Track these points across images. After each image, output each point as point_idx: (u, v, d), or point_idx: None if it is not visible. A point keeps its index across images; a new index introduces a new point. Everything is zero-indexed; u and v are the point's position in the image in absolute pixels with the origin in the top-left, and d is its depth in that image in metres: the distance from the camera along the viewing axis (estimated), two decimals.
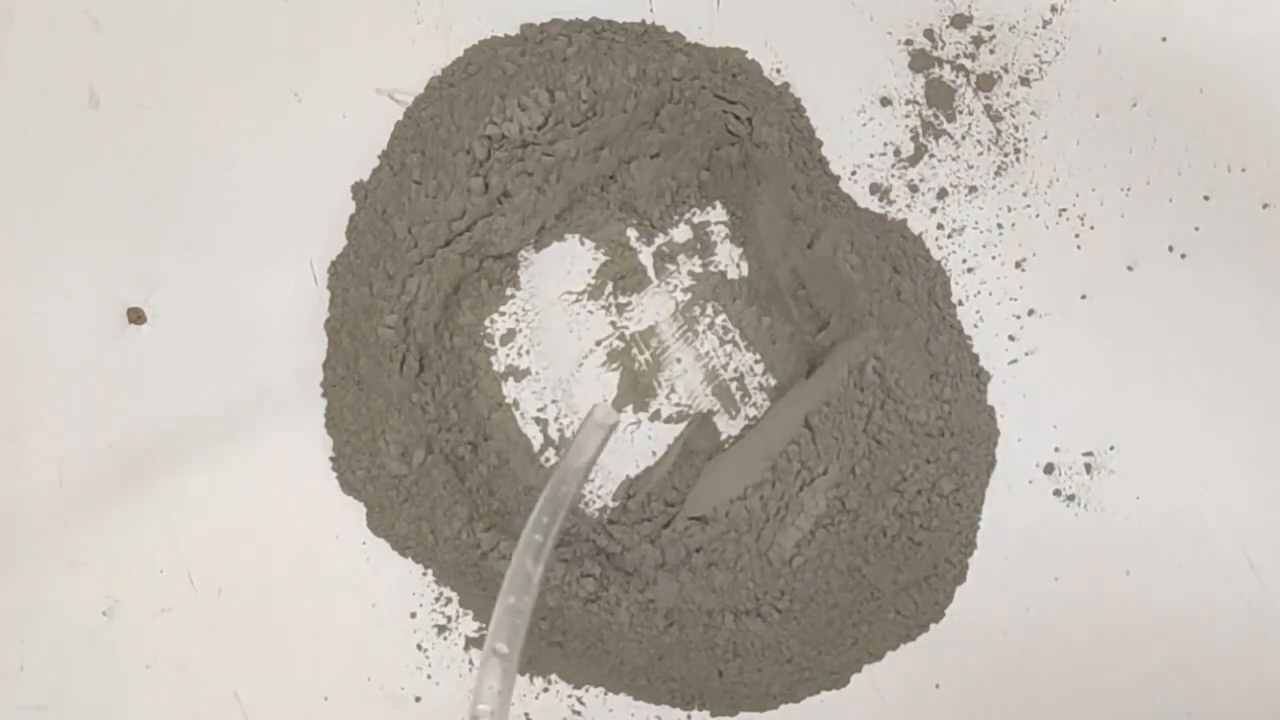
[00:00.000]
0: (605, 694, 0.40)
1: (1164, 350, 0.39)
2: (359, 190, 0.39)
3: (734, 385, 0.40)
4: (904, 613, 0.38)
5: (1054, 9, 0.38)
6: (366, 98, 0.39)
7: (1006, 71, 0.39)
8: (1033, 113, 0.39)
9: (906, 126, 0.39)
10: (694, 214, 0.40)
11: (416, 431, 0.38)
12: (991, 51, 0.39)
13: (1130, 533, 0.39)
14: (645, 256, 0.40)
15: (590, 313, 0.40)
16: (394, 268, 0.37)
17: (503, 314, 0.40)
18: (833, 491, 0.37)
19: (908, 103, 0.39)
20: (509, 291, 0.40)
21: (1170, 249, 0.39)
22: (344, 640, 0.40)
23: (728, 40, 0.39)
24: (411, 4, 0.39)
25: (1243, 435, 0.39)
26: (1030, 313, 0.39)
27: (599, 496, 0.40)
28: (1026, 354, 0.39)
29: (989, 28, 0.39)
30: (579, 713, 0.40)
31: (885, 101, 0.39)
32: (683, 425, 0.40)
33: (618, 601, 0.37)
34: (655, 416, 0.40)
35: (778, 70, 0.39)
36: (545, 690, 0.39)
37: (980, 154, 0.39)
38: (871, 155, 0.39)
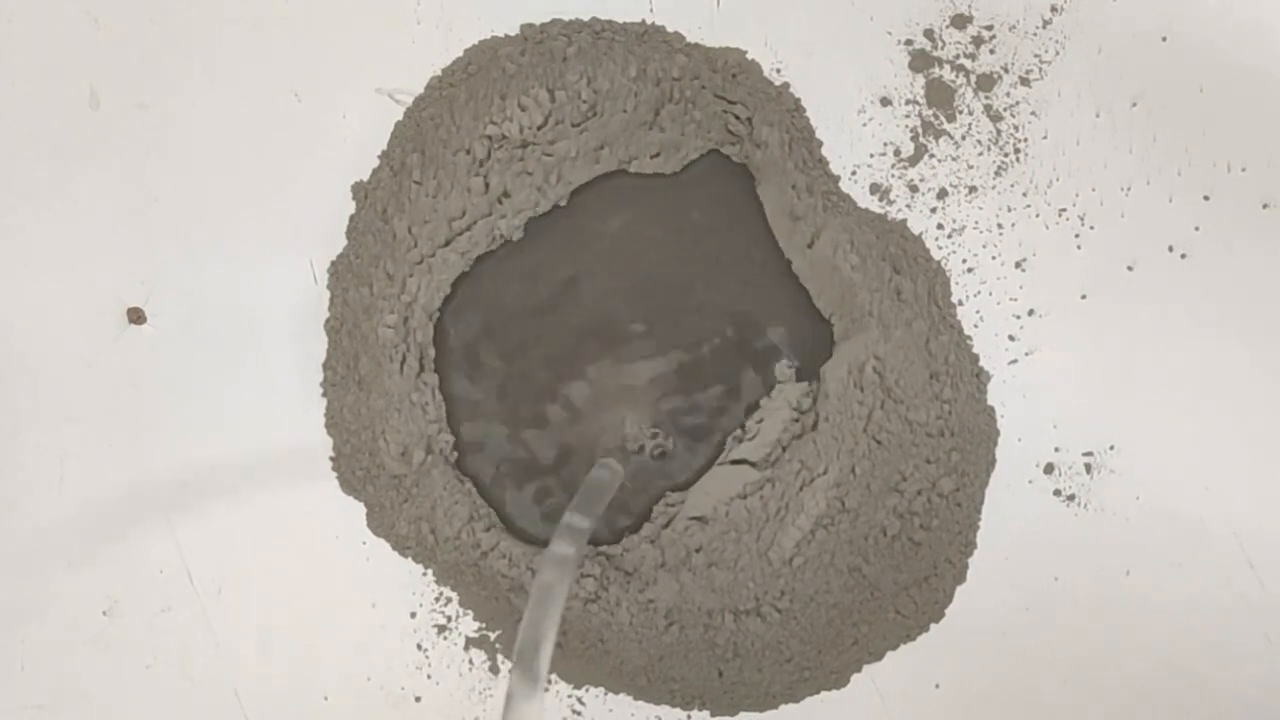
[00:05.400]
0: (605, 694, 0.40)
1: (1164, 350, 0.39)
2: (359, 190, 0.39)
3: None
4: (904, 613, 0.38)
5: (1054, 9, 0.38)
6: (366, 98, 0.39)
7: (1006, 71, 0.39)
8: (1033, 113, 0.39)
9: (906, 126, 0.39)
10: None
11: (416, 431, 0.38)
12: (991, 51, 0.39)
13: (1130, 533, 0.39)
14: None
15: None
16: (394, 268, 0.37)
17: None
18: (833, 491, 0.37)
19: (908, 103, 0.39)
20: None
21: (1170, 249, 0.39)
22: (344, 640, 0.40)
23: (728, 40, 0.39)
24: (411, 4, 0.39)
25: (1243, 435, 0.39)
26: (1030, 313, 0.39)
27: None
28: (1026, 354, 0.39)
29: (989, 28, 0.39)
30: (579, 713, 0.40)
31: (885, 101, 0.39)
32: None
33: (618, 601, 0.37)
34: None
35: (778, 70, 0.39)
36: (545, 690, 0.39)
37: (980, 154, 0.39)
38: (871, 155, 0.39)
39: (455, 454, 0.39)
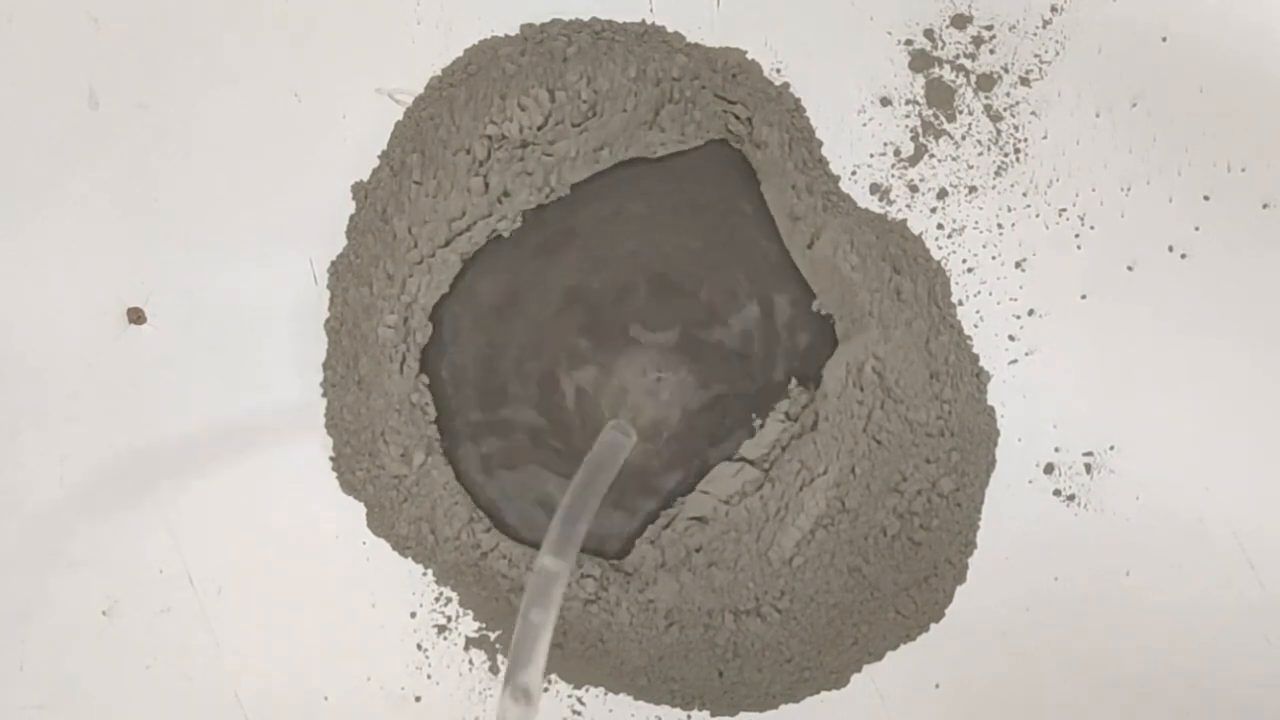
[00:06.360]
0: (605, 694, 0.40)
1: (1164, 350, 0.39)
2: (359, 190, 0.39)
3: None
4: (904, 613, 0.38)
5: (1054, 9, 0.38)
6: (366, 98, 0.39)
7: (1006, 71, 0.39)
8: (1033, 113, 0.39)
9: (906, 126, 0.39)
10: None
11: (416, 432, 0.38)
12: (991, 51, 0.39)
13: (1130, 533, 0.39)
14: None
15: None
16: (394, 268, 0.37)
17: None
18: (833, 491, 0.37)
19: (908, 103, 0.39)
20: None
21: (1170, 249, 0.39)
22: (344, 640, 0.40)
23: (728, 40, 0.39)
24: (411, 4, 0.39)
25: (1243, 435, 0.39)
26: (1030, 313, 0.39)
27: None
28: (1026, 354, 0.39)
29: (989, 28, 0.39)
30: (579, 713, 0.40)
31: (885, 101, 0.39)
32: None
33: (618, 601, 0.37)
34: None
35: (778, 70, 0.39)
36: (545, 690, 0.39)
37: (980, 154, 0.39)
38: (871, 155, 0.39)
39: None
